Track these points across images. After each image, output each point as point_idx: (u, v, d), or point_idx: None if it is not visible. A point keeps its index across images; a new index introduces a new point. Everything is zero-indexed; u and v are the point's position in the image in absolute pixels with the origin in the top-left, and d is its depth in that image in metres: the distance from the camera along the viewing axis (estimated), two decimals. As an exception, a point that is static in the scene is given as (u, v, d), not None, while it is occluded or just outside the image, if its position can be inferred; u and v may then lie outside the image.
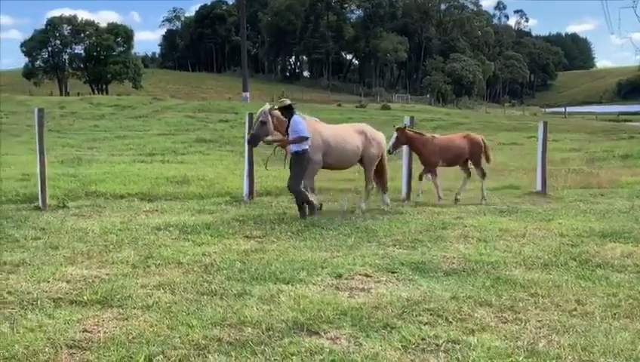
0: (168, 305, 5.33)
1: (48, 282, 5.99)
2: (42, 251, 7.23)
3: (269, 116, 9.98)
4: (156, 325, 4.84)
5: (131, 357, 4.25)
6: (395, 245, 7.81)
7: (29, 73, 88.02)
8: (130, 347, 4.41)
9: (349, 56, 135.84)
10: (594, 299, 5.65)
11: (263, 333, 4.70)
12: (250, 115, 11.28)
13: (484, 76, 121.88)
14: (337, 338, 4.67)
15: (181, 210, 10.29)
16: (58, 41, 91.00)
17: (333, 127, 10.98)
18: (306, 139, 9.73)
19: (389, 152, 11.28)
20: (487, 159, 12.22)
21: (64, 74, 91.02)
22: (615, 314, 5.27)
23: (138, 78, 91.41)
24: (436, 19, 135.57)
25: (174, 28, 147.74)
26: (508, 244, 7.90)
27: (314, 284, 6.03)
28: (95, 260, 6.89)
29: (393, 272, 6.51)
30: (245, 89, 58.72)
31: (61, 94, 78.20)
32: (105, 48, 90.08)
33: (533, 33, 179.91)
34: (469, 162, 12.11)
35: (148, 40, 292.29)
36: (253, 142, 10.38)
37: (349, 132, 10.75)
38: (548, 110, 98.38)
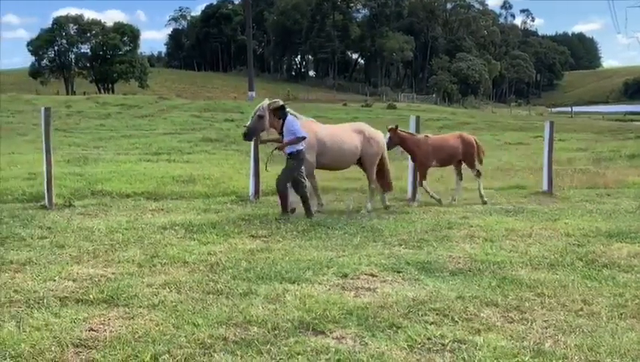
0: (174, 304, 5.34)
1: (54, 281, 6.00)
2: (48, 250, 7.25)
3: (267, 112, 9.95)
4: (162, 324, 4.85)
5: (137, 356, 4.26)
6: (401, 245, 7.80)
7: (35, 72, 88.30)
8: (136, 346, 4.42)
9: (354, 56, 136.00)
10: (600, 299, 5.63)
11: (268, 332, 4.70)
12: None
13: (490, 76, 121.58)
14: (343, 337, 4.67)
15: (187, 209, 10.30)
16: (64, 41, 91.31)
17: (329, 127, 10.92)
18: (304, 138, 9.66)
19: None
20: (480, 160, 12.11)
21: (70, 73, 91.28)
22: (622, 314, 5.25)
23: (144, 77, 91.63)
24: (442, 18, 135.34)
25: (180, 27, 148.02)
26: (514, 244, 7.88)
27: (320, 284, 6.03)
28: (101, 259, 6.90)
29: (399, 272, 6.50)
30: (251, 88, 58.71)
31: (67, 93, 78.46)
32: (111, 47, 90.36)
33: (540, 33, 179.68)
34: (462, 163, 11.98)
35: (154, 39, 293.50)
36: (249, 135, 10.30)
37: (346, 132, 10.67)
38: (554, 110, 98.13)
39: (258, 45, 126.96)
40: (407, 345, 4.51)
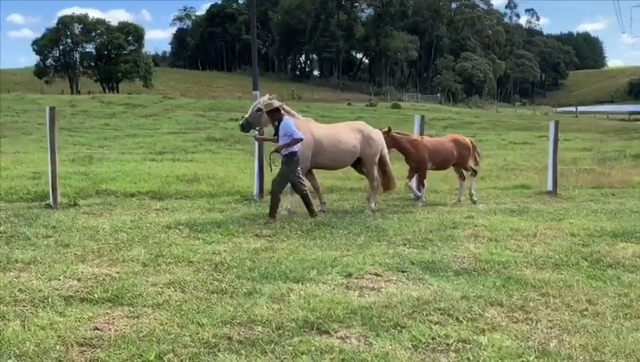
0: (178, 303, 5.34)
1: (59, 280, 6.01)
2: (53, 249, 7.26)
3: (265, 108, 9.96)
4: (166, 323, 4.85)
5: (142, 355, 4.26)
6: (406, 244, 7.79)
7: (40, 72, 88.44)
8: (140, 345, 4.43)
9: (359, 55, 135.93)
10: (605, 299, 5.62)
11: (273, 332, 4.70)
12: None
13: (494, 75, 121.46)
14: (347, 337, 4.66)
15: (191, 209, 10.31)
16: (69, 40, 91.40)
17: (327, 126, 10.87)
18: (301, 140, 9.59)
19: None
20: (475, 162, 12.05)
21: (75, 72, 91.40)
22: (627, 314, 5.24)
23: (149, 76, 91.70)
24: (447, 17, 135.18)
25: (185, 27, 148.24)
26: (519, 244, 7.87)
27: (324, 283, 6.02)
28: (106, 258, 6.91)
29: (403, 271, 6.50)
30: (255, 88, 57.85)
31: (72, 93, 78.62)
32: (116, 47, 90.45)
33: (545, 32, 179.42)
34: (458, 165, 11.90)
35: (158, 38, 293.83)
36: (246, 127, 10.35)
37: (344, 131, 10.60)
38: (559, 109, 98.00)
39: (262, 45, 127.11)
40: (412, 345, 4.50)
